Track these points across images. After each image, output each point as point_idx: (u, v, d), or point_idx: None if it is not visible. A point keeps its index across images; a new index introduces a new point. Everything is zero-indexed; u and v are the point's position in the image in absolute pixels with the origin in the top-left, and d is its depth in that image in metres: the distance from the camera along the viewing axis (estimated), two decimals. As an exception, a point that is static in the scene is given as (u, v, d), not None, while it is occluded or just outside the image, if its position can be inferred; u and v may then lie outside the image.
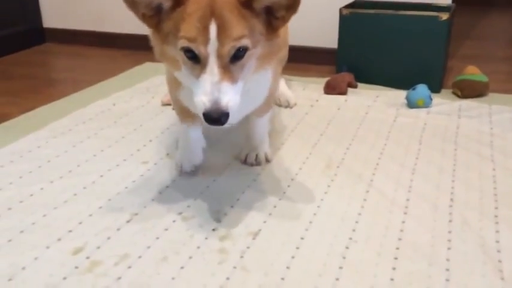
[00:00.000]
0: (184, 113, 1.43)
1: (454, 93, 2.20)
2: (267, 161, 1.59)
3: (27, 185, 1.46)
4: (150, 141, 1.76)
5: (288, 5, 1.12)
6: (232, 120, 1.12)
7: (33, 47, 3.12)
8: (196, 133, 1.50)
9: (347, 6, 2.34)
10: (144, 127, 1.87)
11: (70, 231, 1.25)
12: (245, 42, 1.10)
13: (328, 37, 2.56)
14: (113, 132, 1.82)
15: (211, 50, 1.08)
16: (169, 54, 1.17)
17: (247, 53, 1.12)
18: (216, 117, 1.07)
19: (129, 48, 2.97)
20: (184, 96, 1.35)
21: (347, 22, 2.28)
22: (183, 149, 1.53)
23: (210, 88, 1.08)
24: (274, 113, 1.72)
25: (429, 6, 2.35)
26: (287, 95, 2.07)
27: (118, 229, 1.26)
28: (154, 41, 1.20)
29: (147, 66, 2.62)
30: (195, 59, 1.10)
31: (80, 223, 1.29)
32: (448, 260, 1.15)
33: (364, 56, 2.31)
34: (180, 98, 1.38)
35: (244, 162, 1.58)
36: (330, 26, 2.50)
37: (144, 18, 1.14)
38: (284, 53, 1.91)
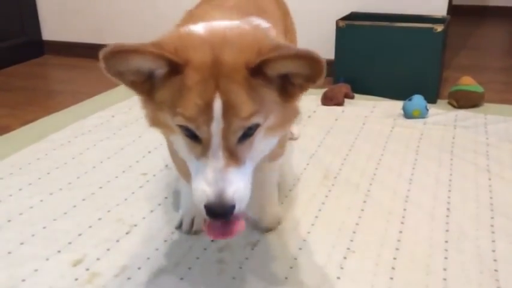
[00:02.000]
0: (187, 173, 1.08)
1: (449, 103, 2.22)
2: (279, 223, 1.36)
3: (27, 197, 1.47)
4: (149, 152, 1.77)
5: (307, 76, 0.90)
6: (240, 209, 0.91)
7: (33, 59, 3.14)
8: None
9: (343, 19, 2.37)
10: (143, 138, 1.89)
11: (70, 243, 1.26)
12: (256, 120, 0.88)
13: (325, 49, 2.58)
14: (112, 144, 1.84)
15: (215, 130, 0.87)
16: (164, 123, 0.94)
17: (258, 129, 0.91)
18: (220, 212, 0.88)
19: (127, 60, 2.99)
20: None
21: (343, 34, 2.31)
22: (186, 209, 1.34)
23: (212, 176, 0.88)
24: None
25: (424, 18, 2.38)
26: (292, 127, 1.84)
27: (117, 241, 1.27)
28: (145, 107, 0.98)
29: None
30: (195, 138, 0.90)
31: (80, 235, 1.30)
32: (445, 269, 1.16)
33: (361, 67, 2.34)
34: (182, 163, 1.10)
35: (257, 225, 1.34)
36: (326, 38, 2.53)
37: (134, 85, 0.92)
38: None
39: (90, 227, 1.33)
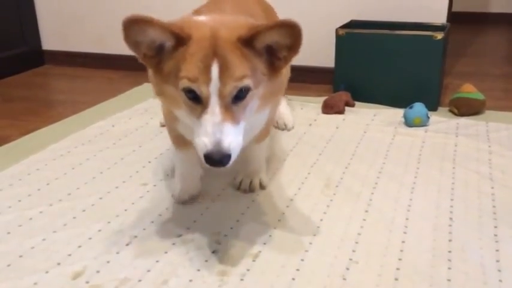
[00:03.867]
0: (180, 141, 1.42)
1: (450, 111, 2.21)
2: (262, 188, 1.56)
3: (26, 208, 1.46)
4: (149, 162, 1.76)
5: (289, 45, 1.10)
6: (233, 159, 1.08)
7: (33, 69, 3.14)
8: (193, 161, 1.47)
9: (343, 27, 2.37)
10: (143, 148, 1.88)
11: (69, 255, 1.25)
12: (247, 82, 1.08)
13: (325, 56, 2.59)
14: (112, 154, 1.83)
15: (212, 90, 1.06)
16: (169, 93, 1.15)
17: (250, 94, 1.10)
18: (217, 159, 1.04)
19: (128, 70, 2.99)
20: (183, 129, 1.32)
21: (343, 42, 2.31)
22: (179, 178, 1.49)
23: (211, 129, 1.05)
24: (272, 135, 1.73)
25: (424, 25, 2.38)
26: (285, 118, 2.05)
27: (118, 252, 1.26)
28: (153, 80, 1.19)
29: (146, 87, 2.63)
30: (196, 100, 1.08)
31: (80, 247, 1.28)
32: (449, 280, 1.15)
33: (361, 75, 2.33)
34: (179, 129, 1.35)
35: (238, 188, 1.56)
36: (327, 46, 2.53)
37: (145, 58, 1.13)
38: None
39: (90, 238, 1.32)
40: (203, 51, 1.06)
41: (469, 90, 2.17)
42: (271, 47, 1.11)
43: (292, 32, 1.07)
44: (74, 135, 2.00)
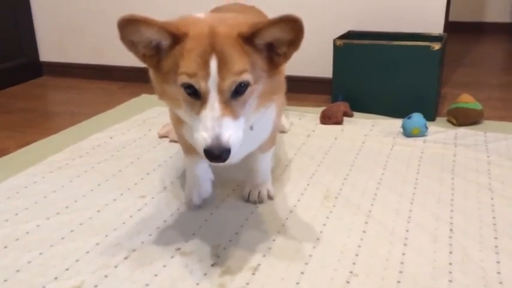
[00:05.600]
0: (189, 148, 1.42)
1: (449, 121, 2.21)
2: (270, 198, 1.57)
3: (23, 222, 1.45)
4: (148, 174, 1.75)
5: (290, 40, 1.10)
6: (235, 157, 1.09)
7: (31, 80, 3.14)
8: (203, 166, 1.50)
9: (340, 37, 2.37)
10: (141, 160, 1.87)
11: (67, 269, 1.24)
12: (246, 77, 1.08)
13: (323, 67, 2.59)
14: (110, 166, 1.82)
15: (211, 85, 1.06)
16: (170, 93, 1.15)
17: (249, 89, 1.10)
18: (217, 153, 1.04)
19: (125, 81, 3.00)
20: (186, 133, 1.34)
21: (341, 53, 2.32)
22: (191, 183, 1.52)
23: (210, 123, 1.05)
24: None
25: (421, 36, 2.38)
26: (282, 121, 2.07)
27: (116, 266, 1.25)
28: (155, 81, 1.20)
29: (144, 98, 2.63)
30: (196, 95, 1.08)
31: (77, 261, 1.27)
32: (450, 292, 1.14)
33: (359, 86, 2.33)
34: (185, 136, 1.37)
35: (247, 200, 1.56)
36: (324, 56, 2.54)
37: (144, 58, 1.14)
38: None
39: (87, 252, 1.31)
40: (201, 46, 1.06)
41: (467, 100, 2.17)
42: (272, 43, 1.12)
43: (294, 26, 1.07)
44: (72, 147, 1.99)
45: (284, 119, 2.12)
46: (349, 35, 2.47)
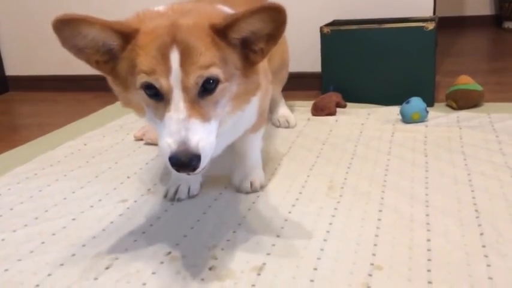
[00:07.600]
0: None
1: (448, 105, 2.08)
2: (261, 186, 1.41)
3: (-15, 237, 1.24)
4: (128, 177, 1.56)
5: (269, 34, 0.97)
6: (205, 163, 0.92)
7: (-4, 96, 2.92)
8: None
9: (327, 25, 2.23)
10: (120, 164, 1.68)
11: (37, 285, 1.04)
12: (215, 71, 0.93)
13: (311, 61, 2.44)
14: (85, 173, 1.62)
15: (174, 81, 0.91)
16: (133, 100, 1.02)
17: (220, 87, 0.96)
18: (184, 160, 0.88)
19: (98, 90, 2.78)
20: None
21: (329, 41, 2.17)
22: (173, 179, 1.40)
23: (175, 127, 0.90)
24: (265, 134, 1.55)
25: (411, 19, 2.25)
26: (287, 115, 1.96)
27: (96, 278, 1.05)
28: (116, 89, 1.07)
29: (119, 105, 2.43)
30: (158, 96, 0.94)
31: (49, 275, 1.07)
32: (490, 278, 0.98)
33: (350, 75, 2.19)
34: None
35: (238, 190, 1.40)
36: (311, 48, 2.38)
37: (98, 65, 1.00)
38: (284, 75, 1.89)
39: (61, 265, 1.11)
40: (158, 39, 0.93)
41: (467, 82, 2.04)
42: (247, 39, 0.98)
43: (276, 16, 0.93)
44: (41, 157, 1.79)
45: (289, 113, 1.99)
46: (335, 24, 2.32)
